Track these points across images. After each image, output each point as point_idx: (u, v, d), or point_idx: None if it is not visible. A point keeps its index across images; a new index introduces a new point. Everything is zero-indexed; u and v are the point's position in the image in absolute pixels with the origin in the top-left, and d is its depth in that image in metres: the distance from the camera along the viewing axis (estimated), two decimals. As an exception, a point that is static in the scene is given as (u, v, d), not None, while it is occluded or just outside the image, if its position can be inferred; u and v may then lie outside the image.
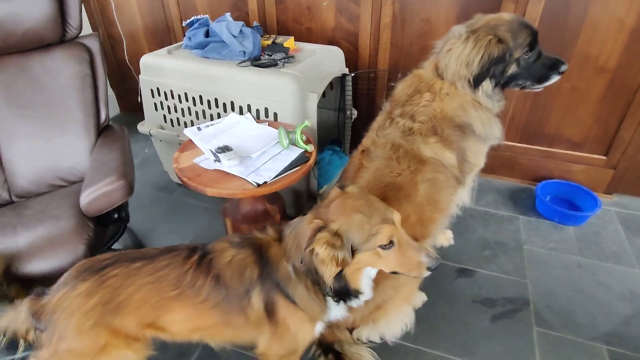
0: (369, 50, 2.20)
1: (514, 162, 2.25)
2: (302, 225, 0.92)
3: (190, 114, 1.92)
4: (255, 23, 2.06)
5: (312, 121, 1.72)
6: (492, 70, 1.27)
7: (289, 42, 1.97)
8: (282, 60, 1.79)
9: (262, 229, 1.02)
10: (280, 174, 1.36)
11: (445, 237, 1.88)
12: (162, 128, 2.04)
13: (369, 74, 2.24)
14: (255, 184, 1.31)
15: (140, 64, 1.93)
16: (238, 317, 0.95)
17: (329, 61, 1.93)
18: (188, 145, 1.56)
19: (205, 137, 1.58)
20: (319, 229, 0.87)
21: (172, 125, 2.02)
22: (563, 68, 1.32)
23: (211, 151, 1.47)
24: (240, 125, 1.66)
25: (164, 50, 1.96)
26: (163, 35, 2.65)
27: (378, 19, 2.09)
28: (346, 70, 2.04)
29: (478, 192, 2.20)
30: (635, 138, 1.96)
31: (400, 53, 2.15)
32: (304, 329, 1.02)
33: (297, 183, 1.44)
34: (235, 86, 1.74)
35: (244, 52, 1.82)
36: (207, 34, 1.92)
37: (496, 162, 2.25)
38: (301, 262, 0.90)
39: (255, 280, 0.94)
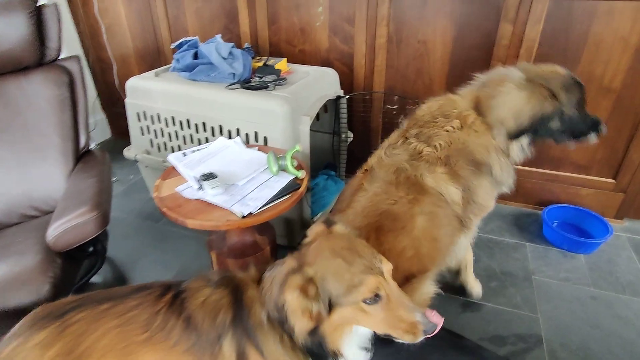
0: (364, 72, 2.13)
1: (518, 185, 2.13)
2: (281, 268, 0.81)
3: (177, 138, 1.83)
4: (246, 45, 2.00)
5: (304, 145, 1.63)
6: (537, 127, 1.19)
7: (281, 63, 1.91)
8: (273, 83, 1.72)
9: (246, 267, 0.90)
10: (267, 203, 1.26)
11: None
12: (148, 153, 1.95)
13: (364, 96, 2.17)
14: (240, 214, 1.20)
15: (125, 87, 1.86)
16: None
17: (322, 83, 1.85)
18: (171, 172, 1.46)
19: (190, 163, 1.48)
20: (292, 272, 0.75)
21: (159, 150, 1.93)
22: (603, 129, 1.25)
23: (195, 178, 1.37)
24: (229, 150, 1.57)
25: (152, 73, 1.89)
26: (153, 58, 2.59)
27: (373, 39, 2.03)
28: (341, 92, 1.96)
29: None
30: (644, 160, 1.87)
31: (397, 74, 2.09)
32: None
33: (289, 211, 1.34)
34: (224, 109, 1.66)
35: (234, 75, 1.75)
36: (195, 56, 1.85)
37: (499, 186, 2.16)
38: (275, 310, 0.78)
39: (228, 326, 0.82)
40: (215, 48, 1.74)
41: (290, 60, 2.15)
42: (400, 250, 1.10)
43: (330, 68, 1.95)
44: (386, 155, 1.25)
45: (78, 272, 1.32)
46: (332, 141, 2.14)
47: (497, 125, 1.21)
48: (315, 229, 0.85)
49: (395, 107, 2.14)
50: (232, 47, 1.76)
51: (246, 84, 1.72)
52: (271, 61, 1.92)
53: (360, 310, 0.76)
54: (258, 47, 2.28)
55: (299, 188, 1.34)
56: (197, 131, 1.76)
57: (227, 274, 0.89)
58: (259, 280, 0.85)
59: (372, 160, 1.30)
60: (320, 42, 2.14)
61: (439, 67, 1.99)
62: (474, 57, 1.90)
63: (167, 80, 1.81)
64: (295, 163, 1.43)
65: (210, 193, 1.26)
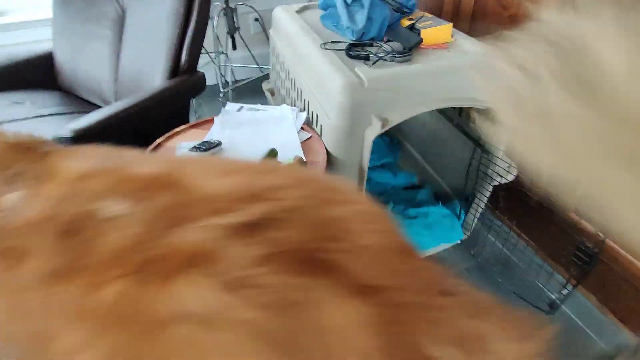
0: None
1: None
2: None
3: (284, 87, 1.59)
4: (408, -10, 1.40)
5: (364, 161, 1.09)
6: None
7: (436, 30, 1.26)
8: (382, 55, 1.16)
9: None
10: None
11: None
12: (272, 94, 1.80)
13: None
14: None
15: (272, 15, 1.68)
16: None
17: (465, 74, 1.13)
18: (209, 122, 1.28)
19: (230, 120, 1.26)
20: None
21: (278, 94, 1.74)
22: None
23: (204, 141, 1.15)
24: (280, 125, 1.23)
25: (300, 5, 1.62)
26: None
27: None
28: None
29: None
30: None
31: None
32: None
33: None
34: (306, 73, 1.27)
35: (352, 31, 1.28)
36: (336, -6, 1.44)
37: None
38: None
39: None
40: (342, -12, 1.28)
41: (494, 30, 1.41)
42: None
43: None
44: None
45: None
46: (471, 156, 1.38)
47: None
48: None
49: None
50: (365, -11, 1.25)
51: (355, 47, 1.24)
52: (424, 23, 1.29)
53: None
54: (458, 3, 1.59)
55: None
56: (292, 87, 1.46)
57: None
58: None
59: None
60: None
61: None
62: None
63: (301, 17, 1.51)
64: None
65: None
